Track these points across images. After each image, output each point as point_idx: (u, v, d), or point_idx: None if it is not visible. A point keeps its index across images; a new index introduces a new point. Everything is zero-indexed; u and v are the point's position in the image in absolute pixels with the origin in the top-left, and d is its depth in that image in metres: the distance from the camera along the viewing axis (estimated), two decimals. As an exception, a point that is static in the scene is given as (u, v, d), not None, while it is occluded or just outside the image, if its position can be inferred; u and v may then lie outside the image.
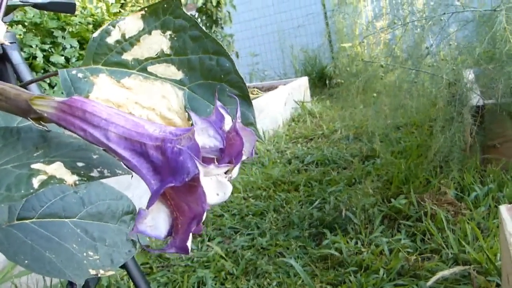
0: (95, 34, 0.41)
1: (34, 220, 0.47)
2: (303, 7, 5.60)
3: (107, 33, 0.40)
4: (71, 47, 1.76)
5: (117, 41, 0.41)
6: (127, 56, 0.41)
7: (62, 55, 1.76)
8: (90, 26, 1.97)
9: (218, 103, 0.33)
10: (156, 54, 0.41)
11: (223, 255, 1.34)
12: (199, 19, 4.64)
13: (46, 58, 1.69)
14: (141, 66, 0.41)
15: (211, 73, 0.40)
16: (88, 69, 0.40)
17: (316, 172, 1.99)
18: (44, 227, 0.46)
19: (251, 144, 0.33)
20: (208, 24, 4.66)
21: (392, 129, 2.21)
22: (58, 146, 0.38)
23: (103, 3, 2.13)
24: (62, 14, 1.79)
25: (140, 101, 0.40)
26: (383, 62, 1.67)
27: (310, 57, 5.24)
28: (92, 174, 0.36)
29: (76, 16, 1.86)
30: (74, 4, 1.03)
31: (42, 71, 1.67)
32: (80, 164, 0.37)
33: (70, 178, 0.35)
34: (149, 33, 0.41)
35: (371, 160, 2.01)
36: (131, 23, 0.41)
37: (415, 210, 1.38)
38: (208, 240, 1.51)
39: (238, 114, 0.33)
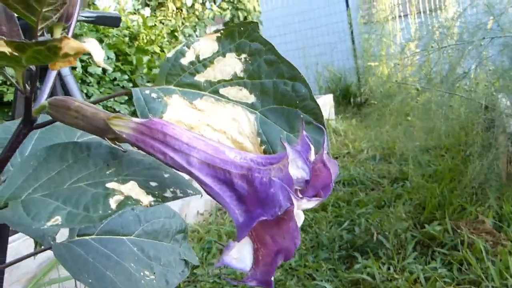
0: (170, 54, 0.40)
1: (93, 236, 0.46)
2: (329, 24, 5.61)
3: (182, 54, 0.40)
4: (108, 58, 1.79)
5: (191, 62, 0.40)
6: (200, 78, 0.41)
7: (99, 66, 1.80)
8: (126, 39, 2.01)
9: (304, 133, 0.32)
10: (229, 77, 0.41)
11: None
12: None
13: (84, 69, 1.73)
14: (213, 88, 0.41)
15: (285, 98, 0.40)
16: (161, 89, 0.40)
17: (343, 192, 1.97)
18: (104, 244, 0.46)
19: (334, 176, 0.32)
20: (234, 39, 4.71)
21: (421, 152, 2.17)
22: (129, 163, 0.38)
23: (139, 16, 2.18)
24: (101, 27, 1.83)
25: (212, 123, 0.40)
26: (417, 84, 1.65)
27: (335, 75, 5.23)
28: (165, 195, 0.36)
29: (113, 28, 1.90)
30: (120, 18, 1.04)
31: (80, 81, 1.70)
32: (153, 183, 0.36)
33: (146, 199, 0.35)
34: (223, 55, 0.40)
35: (400, 182, 1.97)
36: (206, 45, 0.41)
37: (450, 238, 1.34)
38: (235, 257, 1.49)
39: (325, 144, 0.32)
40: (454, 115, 1.96)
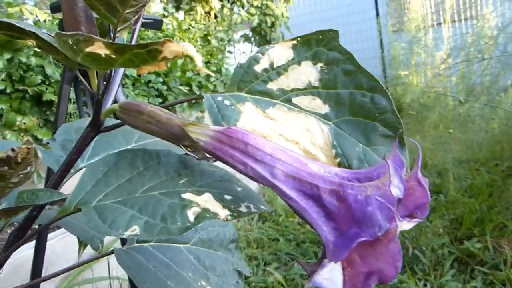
0: (243, 61, 0.39)
1: (152, 243, 0.46)
2: (358, 32, 5.56)
3: (256, 60, 0.39)
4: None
5: (264, 70, 0.39)
6: (272, 86, 0.39)
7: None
8: (161, 41, 2.01)
9: (396, 149, 0.30)
10: (303, 86, 0.39)
11: (283, 283, 1.30)
12: (252, 38, 4.70)
13: (120, 70, 1.73)
14: (286, 96, 0.39)
15: (363, 110, 0.38)
16: (233, 96, 0.39)
17: (374, 203, 1.92)
18: (162, 252, 0.45)
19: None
20: (260, 44, 4.72)
21: (455, 164, 2.11)
22: (201, 174, 0.37)
23: (173, 19, 2.19)
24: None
25: (284, 133, 0.38)
26: (457, 95, 1.60)
27: (363, 82, 5.16)
28: (241, 209, 0.34)
29: (147, 31, 1.92)
30: (162, 21, 1.04)
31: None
32: (227, 196, 0.35)
33: (222, 213, 0.33)
34: (299, 63, 0.39)
35: (433, 195, 1.92)
36: (280, 52, 0.39)
37: (491, 256, 1.29)
38: (264, 265, 1.48)
39: (419, 161, 0.30)
40: (490, 127, 1.90)
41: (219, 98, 0.38)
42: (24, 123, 1.54)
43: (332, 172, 0.31)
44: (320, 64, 0.38)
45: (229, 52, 3.25)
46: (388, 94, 0.37)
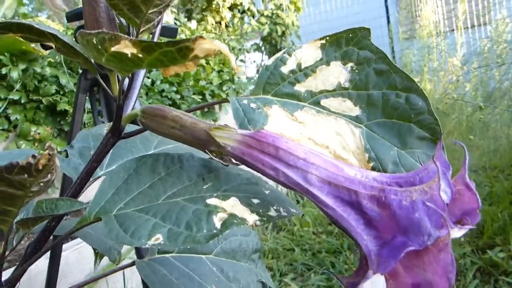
0: (269, 62, 0.38)
1: (174, 254, 0.44)
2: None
3: (282, 61, 0.37)
4: (157, 70, 1.81)
5: (292, 71, 0.37)
6: (300, 87, 0.37)
7: (148, 77, 1.82)
8: (174, 50, 2.02)
9: (440, 151, 0.28)
10: (332, 87, 0.37)
11: (301, 294, 1.27)
12: (262, 47, 4.70)
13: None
14: (314, 99, 0.37)
15: (397, 112, 0.36)
16: (259, 99, 0.37)
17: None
18: (185, 263, 0.43)
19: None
20: (271, 53, 4.73)
21: (472, 171, 2.07)
22: (226, 178, 0.35)
23: (186, 29, 2.19)
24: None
25: (314, 137, 0.36)
26: (475, 101, 1.57)
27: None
28: (270, 213, 0.33)
29: (160, 39, 1.91)
30: (177, 29, 1.04)
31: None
32: (255, 200, 0.33)
33: (250, 218, 0.31)
34: (327, 63, 0.37)
35: (451, 203, 1.87)
36: (308, 52, 0.38)
37: (515, 266, 1.25)
38: (280, 275, 1.45)
39: (466, 163, 0.28)
40: (506, 133, 1.86)
41: (245, 101, 0.36)
42: (39, 133, 1.54)
43: (370, 177, 0.29)
44: (350, 64, 0.37)
45: (242, 61, 3.25)
46: (425, 94, 0.35)
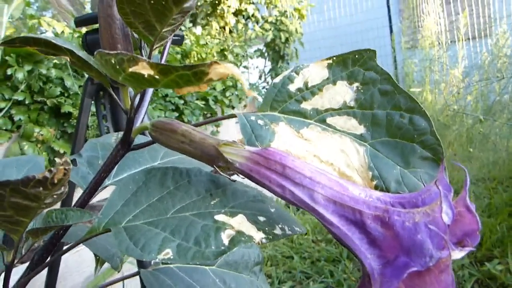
0: (276, 80, 0.39)
1: (177, 265, 0.45)
2: (372, 48, 5.55)
3: (290, 79, 0.38)
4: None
5: (299, 89, 0.38)
6: (306, 105, 0.38)
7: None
8: (178, 56, 2.04)
9: (442, 173, 0.29)
10: (338, 106, 0.38)
11: (299, 303, 1.28)
12: (265, 53, 4.72)
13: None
14: (320, 116, 0.38)
15: (401, 132, 0.37)
16: (267, 115, 0.38)
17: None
18: (189, 274, 0.44)
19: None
20: (274, 59, 4.73)
21: (471, 183, 2.07)
22: (234, 194, 0.36)
23: (191, 34, 2.21)
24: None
25: (319, 154, 0.37)
26: (475, 114, 1.58)
27: (376, 99, 5.14)
28: (275, 232, 0.33)
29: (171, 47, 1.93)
30: (183, 36, 1.05)
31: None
32: (261, 218, 0.34)
33: (257, 236, 0.32)
34: (334, 83, 0.38)
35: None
36: (315, 71, 0.39)
37: (513, 279, 1.25)
38: (279, 283, 1.45)
39: (467, 185, 0.29)
40: (505, 146, 1.87)
41: (253, 118, 0.37)
42: (42, 135, 1.55)
43: (374, 197, 0.30)
44: (356, 84, 0.38)
45: (245, 67, 3.26)
46: (428, 115, 0.36)
